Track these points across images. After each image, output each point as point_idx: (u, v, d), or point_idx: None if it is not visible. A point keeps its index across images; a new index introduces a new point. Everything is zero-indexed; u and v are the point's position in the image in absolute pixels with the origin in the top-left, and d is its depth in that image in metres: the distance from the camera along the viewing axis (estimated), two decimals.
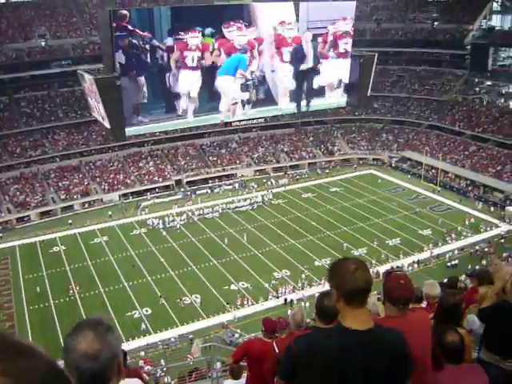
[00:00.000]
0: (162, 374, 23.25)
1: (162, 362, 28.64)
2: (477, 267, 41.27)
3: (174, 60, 32.40)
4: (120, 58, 30.66)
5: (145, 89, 31.97)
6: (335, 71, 39.49)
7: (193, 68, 33.13)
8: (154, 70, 32.32)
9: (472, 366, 4.25)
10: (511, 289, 4.81)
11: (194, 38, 32.30)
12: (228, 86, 35.02)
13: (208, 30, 32.61)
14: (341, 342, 3.18)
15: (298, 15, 36.02)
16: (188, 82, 33.37)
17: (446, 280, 11.93)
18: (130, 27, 30.10)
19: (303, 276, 42.17)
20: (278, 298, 39.50)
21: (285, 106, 38.99)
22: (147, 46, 31.13)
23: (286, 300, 38.97)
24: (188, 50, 32.51)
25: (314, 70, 38.60)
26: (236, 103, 35.86)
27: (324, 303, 4.41)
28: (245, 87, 35.55)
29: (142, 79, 31.96)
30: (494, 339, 4.60)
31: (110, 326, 2.16)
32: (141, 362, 29.63)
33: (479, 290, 5.90)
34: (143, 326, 36.63)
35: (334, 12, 38.29)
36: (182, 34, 31.81)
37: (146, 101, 32.40)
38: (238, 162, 69.19)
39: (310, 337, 4.49)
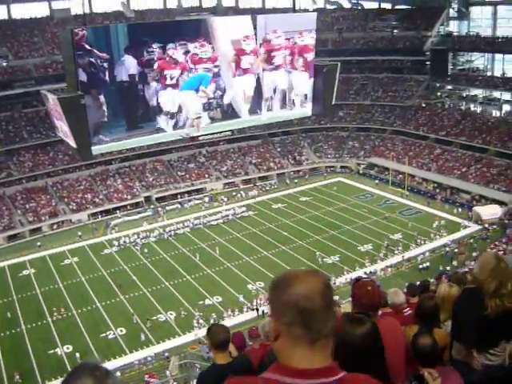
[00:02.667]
0: None
1: (168, 373, 28.48)
2: (448, 268, 42.00)
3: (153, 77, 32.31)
4: (82, 76, 30.45)
5: (105, 107, 31.73)
6: (293, 82, 39.70)
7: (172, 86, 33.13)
8: (113, 89, 32.06)
9: (445, 369, 4.28)
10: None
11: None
12: (191, 101, 34.99)
13: (170, 46, 32.50)
14: None
15: (255, 28, 36.07)
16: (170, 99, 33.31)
17: (418, 283, 12.06)
18: (87, 46, 29.90)
19: None
20: (253, 310, 39.40)
21: (248, 118, 38.96)
22: (105, 65, 30.94)
23: (257, 310, 38.99)
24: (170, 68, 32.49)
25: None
26: (200, 117, 35.82)
27: None
28: (207, 106, 35.56)
29: (102, 98, 31.74)
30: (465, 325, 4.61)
31: (108, 371, 2.08)
32: (146, 377, 29.50)
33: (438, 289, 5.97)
34: (143, 336, 36.69)
35: (294, 24, 38.52)
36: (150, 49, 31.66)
37: (106, 119, 32.14)
38: (206, 175, 69.10)
39: None
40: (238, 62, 35.98)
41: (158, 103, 32.90)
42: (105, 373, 2.05)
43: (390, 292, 6.97)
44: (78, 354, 34.36)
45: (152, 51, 31.87)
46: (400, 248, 48.07)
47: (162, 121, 33.80)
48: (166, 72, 32.51)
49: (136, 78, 32.15)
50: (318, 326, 2.04)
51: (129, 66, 31.64)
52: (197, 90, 35.15)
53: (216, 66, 35.22)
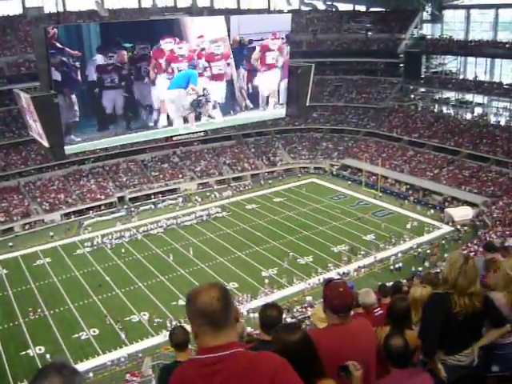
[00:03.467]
0: None
1: (150, 371, 28.30)
2: (420, 269, 42.46)
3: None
4: (55, 75, 30.16)
5: (76, 107, 31.47)
6: (266, 82, 39.75)
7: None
8: (84, 88, 31.79)
9: (416, 370, 4.34)
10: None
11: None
12: (180, 99, 34.89)
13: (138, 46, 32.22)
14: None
15: (229, 29, 36.04)
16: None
17: (390, 284, 12.17)
18: (58, 45, 29.62)
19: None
20: None
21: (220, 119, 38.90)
22: (77, 64, 30.69)
23: None
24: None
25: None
26: (190, 113, 35.78)
27: (267, 314, 4.49)
28: (196, 103, 35.50)
29: (74, 97, 31.46)
30: (430, 331, 4.68)
31: (75, 369, 2.12)
32: (127, 376, 29.29)
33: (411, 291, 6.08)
34: (123, 335, 36.60)
35: (268, 25, 38.57)
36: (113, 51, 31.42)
37: (77, 119, 31.87)
38: (180, 176, 68.89)
39: (252, 350, 4.57)
40: (209, 64, 35.88)
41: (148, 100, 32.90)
42: (72, 371, 2.10)
43: (361, 292, 7.06)
44: (48, 355, 34.07)
45: (114, 53, 31.61)
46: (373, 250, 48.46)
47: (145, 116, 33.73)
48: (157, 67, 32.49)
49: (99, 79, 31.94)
50: (219, 322, 2.74)
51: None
52: (185, 88, 35.10)
53: (193, 66, 35.18)
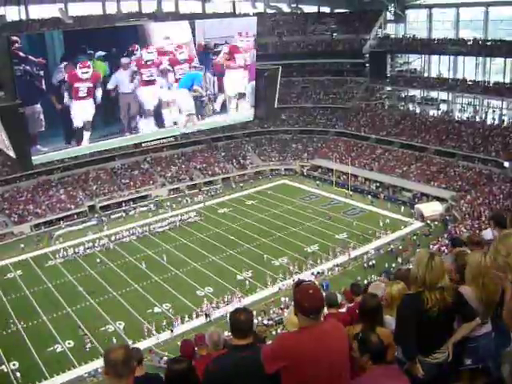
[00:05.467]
0: None
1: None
2: (393, 265, 42.83)
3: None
4: (20, 84, 29.86)
5: (42, 116, 31.14)
6: (233, 85, 39.87)
7: (84, 98, 32.83)
8: (50, 98, 31.52)
9: (390, 368, 4.36)
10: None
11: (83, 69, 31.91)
12: (184, 99, 34.89)
13: (98, 54, 32.01)
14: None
15: (194, 34, 35.98)
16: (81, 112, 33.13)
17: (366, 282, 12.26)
18: (21, 54, 29.31)
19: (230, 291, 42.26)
20: (206, 315, 39.21)
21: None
22: (41, 73, 30.39)
23: (206, 316, 38.95)
24: (79, 81, 32.15)
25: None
26: (192, 114, 35.78)
27: (236, 319, 4.49)
28: (199, 103, 35.65)
29: (38, 107, 31.13)
30: (406, 334, 4.73)
31: None
32: None
33: (388, 289, 6.11)
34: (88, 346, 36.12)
35: (234, 28, 38.69)
36: (76, 61, 31.22)
37: (43, 129, 31.55)
38: (151, 182, 68.52)
39: (225, 356, 4.58)
40: (173, 69, 35.84)
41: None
42: None
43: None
44: (18, 374, 33.52)
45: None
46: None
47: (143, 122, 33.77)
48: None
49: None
50: (121, 373, 3.69)
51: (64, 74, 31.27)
52: (190, 89, 35.07)
53: (162, 71, 35.16)
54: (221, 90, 39.60)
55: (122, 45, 33.46)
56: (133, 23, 39.15)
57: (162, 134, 38.58)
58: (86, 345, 36.51)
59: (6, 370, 34.47)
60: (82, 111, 33.14)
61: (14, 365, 34.85)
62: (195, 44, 36.38)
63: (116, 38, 33.31)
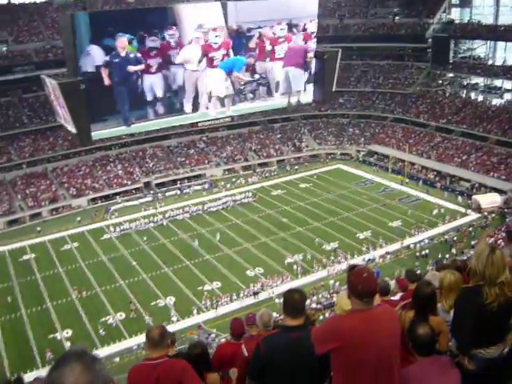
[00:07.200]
0: None
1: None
2: (447, 256, 42.09)
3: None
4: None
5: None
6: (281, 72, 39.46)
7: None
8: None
9: (441, 359, 4.30)
10: None
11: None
12: (217, 81, 34.92)
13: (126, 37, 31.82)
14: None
15: (226, 16, 35.20)
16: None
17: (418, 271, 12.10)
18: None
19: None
20: (254, 294, 39.51)
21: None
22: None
23: (255, 295, 39.37)
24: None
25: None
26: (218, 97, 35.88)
27: (290, 298, 4.48)
28: (238, 91, 35.76)
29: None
30: (463, 328, 4.63)
31: (95, 356, 2.12)
32: None
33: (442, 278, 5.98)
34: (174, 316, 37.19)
35: (293, 10, 38.07)
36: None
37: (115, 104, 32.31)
38: (206, 161, 69.05)
39: (276, 336, 4.58)
40: (207, 54, 35.39)
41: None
42: (92, 358, 2.10)
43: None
44: (69, 343, 34.50)
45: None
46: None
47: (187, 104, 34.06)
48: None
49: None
50: (157, 346, 4.82)
51: (94, 56, 31.45)
52: (229, 73, 35.08)
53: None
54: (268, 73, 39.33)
55: (161, 27, 33.09)
56: (162, 5, 38.82)
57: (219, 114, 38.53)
58: (131, 315, 37.66)
59: (59, 337, 35.64)
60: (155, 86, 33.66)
61: (67, 333, 35.98)
62: (227, 28, 35.78)
63: (142, 21, 32.79)
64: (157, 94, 34.33)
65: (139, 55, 32.41)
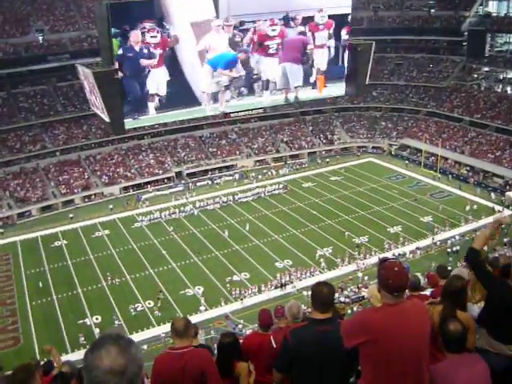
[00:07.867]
0: None
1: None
2: None
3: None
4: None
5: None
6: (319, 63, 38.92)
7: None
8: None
9: (471, 356, 4.27)
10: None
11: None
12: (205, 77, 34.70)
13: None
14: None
15: (217, 8, 34.05)
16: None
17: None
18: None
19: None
20: (281, 286, 39.58)
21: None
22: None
23: (283, 287, 39.45)
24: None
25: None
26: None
27: (318, 291, 4.48)
28: (225, 88, 35.42)
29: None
30: (498, 324, 4.60)
31: (131, 339, 2.16)
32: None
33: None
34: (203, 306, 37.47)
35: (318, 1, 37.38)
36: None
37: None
38: (237, 152, 69.17)
39: (304, 329, 4.59)
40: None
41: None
42: (128, 341, 2.13)
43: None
44: (97, 329, 35.03)
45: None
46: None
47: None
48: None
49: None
50: (182, 336, 5.02)
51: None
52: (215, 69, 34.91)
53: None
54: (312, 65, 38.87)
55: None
56: None
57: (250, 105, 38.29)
58: (157, 304, 38.01)
59: (88, 323, 36.18)
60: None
61: (96, 319, 36.50)
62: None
63: (128, 15, 32.13)
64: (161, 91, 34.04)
65: (152, 50, 32.16)
